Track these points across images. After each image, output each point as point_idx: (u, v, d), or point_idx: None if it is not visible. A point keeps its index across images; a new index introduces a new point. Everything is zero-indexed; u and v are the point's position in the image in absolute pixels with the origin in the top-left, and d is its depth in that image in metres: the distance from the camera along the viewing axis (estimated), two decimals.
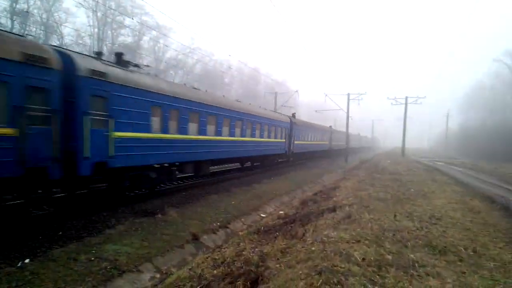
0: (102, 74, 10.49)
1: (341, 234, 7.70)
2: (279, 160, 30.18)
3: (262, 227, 10.57)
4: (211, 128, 17.05)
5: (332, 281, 5.12)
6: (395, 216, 9.79)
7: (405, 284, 5.21)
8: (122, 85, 11.26)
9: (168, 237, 9.71)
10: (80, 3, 46.40)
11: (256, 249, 7.50)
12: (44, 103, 8.74)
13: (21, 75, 8.09)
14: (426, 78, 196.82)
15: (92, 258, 7.46)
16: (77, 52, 11.47)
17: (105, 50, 52.97)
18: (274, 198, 17.68)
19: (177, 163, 14.73)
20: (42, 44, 10.79)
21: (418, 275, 5.62)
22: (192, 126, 15.44)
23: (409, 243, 7.19)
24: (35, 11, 44.42)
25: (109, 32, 54.62)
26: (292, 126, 30.43)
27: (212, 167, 19.42)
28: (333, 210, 11.04)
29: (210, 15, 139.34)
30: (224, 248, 8.56)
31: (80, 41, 50.32)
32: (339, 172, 31.76)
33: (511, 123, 58.06)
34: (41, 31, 44.92)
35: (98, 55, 11.47)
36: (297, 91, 46.73)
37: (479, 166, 39.17)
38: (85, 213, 10.38)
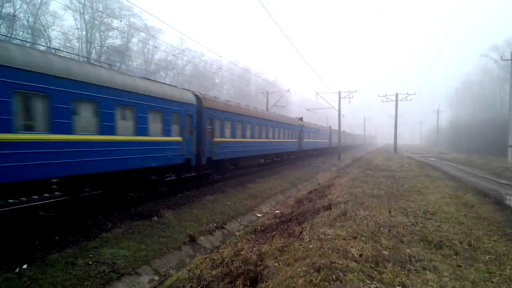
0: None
1: (338, 231, 7.77)
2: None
3: (259, 227, 10.62)
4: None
5: (331, 278, 5.17)
6: (390, 212, 9.90)
7: (403, 279, 5.28)
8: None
9: (165, 239, 9.70)
10: (67, 6, 46.09)
11: (254, 249, 7.53)
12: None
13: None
14: (416, 75, 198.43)
15: (90, 262, 7.43)
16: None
17: (93, 52, 52.64)
18: (269, 197, 17.73)
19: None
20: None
21: (415, 270, 5.71)
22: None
23: (405, 238, 7.29)
24: (21, 14, 43.93)
25: (97, 34, 54.22)
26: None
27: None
28: (329, 208, 11.11)
29: (200, 16, 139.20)
30: (222, 249, 8.58)
31: (68, 44, 49.91)
32: (332, 170, 31.92)
33: (500, 117, 58.72)
34: (28, 35, 44.47)
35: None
36: (288, 90, 46.79)
37: (471, 161, 39.60)
38: (81, 218, 10.31)
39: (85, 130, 9.99)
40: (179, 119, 14.56)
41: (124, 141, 11.37)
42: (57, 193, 12.97)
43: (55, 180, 10.08)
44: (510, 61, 32.14)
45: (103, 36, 54.88)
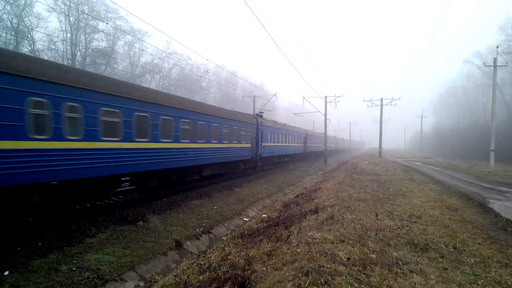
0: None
1: (325, 235, 7.76)
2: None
3: (246, 231, 10.56)
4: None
5: (319, 282, 5.14)
6: (376, 215, 9.95)
7: (390, 282, 5.28)
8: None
9: (151, 245, 9.57)
10: (52, 8, 45.42)
11: (242, 253, 7.46)
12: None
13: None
14: (400, 81, 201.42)
15: (74, 268, 7.26)
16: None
17: (78, 55, 51.97)
18: (256, 201, 17.69)
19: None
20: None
21: (402, 273, 5.72)
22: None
23: (391, 242, 7.32)
24: (5, 16, 43.09)
25: (82, 37, 53.54)
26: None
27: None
28: (316, 211, 11.12)
29: (187, 19, 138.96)
30: (209, 253, 8.49)
31: (53, 46, 49.18)
32: (319, 174, 32.08)
33: (483, 122, 59.98)
34: (12, 37, 43.66)
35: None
36: (275, 94, 46.97)
37: (454, 165, 40.30)
38: (64, 223, 10.09)
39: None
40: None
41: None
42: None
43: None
44: (492, 67, 32.83)
45: (88, 39, 54.21)
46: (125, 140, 12.13)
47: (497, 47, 37.38)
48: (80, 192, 11.16)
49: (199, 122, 17.41)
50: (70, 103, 9.86)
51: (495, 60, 32.82)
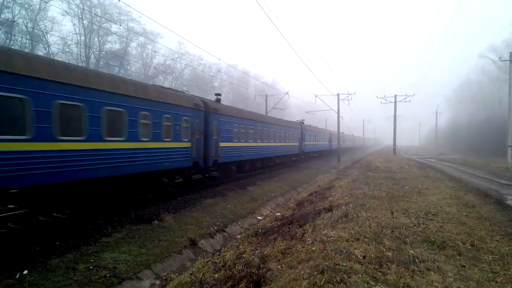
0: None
1: (340, 233, 7.72)
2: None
3: (260, 229, 10.57)
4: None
5: (335, 280, 5.12)
6: (392, 213, 9.86)
7: (407, 280, 5.23)
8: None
9: (166, 243, 9.65)
10: (66, 11, 46.21)
11: (256, 251, 7.48)
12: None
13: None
14: (414, 76, 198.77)
15: (91, 267, 7.37)
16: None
17: (92, 57, 52.70)
18: (269, 200, 17.69)
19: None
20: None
21: (419, 270, 5.66)
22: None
23: (407, 239, 7.24)
24: (20, 20, 43.97)
25: (95, 39, 54.33)
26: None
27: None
28: (330, 209, 11.07)
29: (199, 19, 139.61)
30: (224, 252, 8.53)
31: (67, 49, 50.01)
32: (332, 172, 31.89)
33: (499, 117, 58.79)
34: (27, 40, 44.53)
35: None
36: (287, 92, 46.84)
37: (470, 161, 39.59)
38: (81, 222, 10.26)
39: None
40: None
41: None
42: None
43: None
44: (508, 61, 32.19)
45: (101, 41, 55.02)
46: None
47: None
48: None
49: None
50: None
51: (511, 54, 32.18)
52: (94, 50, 53.26)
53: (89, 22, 50.26)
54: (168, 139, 13.91)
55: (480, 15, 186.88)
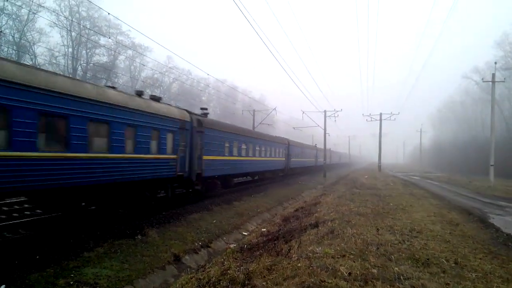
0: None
1: (326, 249, 7.70)
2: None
3: (246, 245, 10.46)
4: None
5: None
6: (377, 230, 9.89)
7: None
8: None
9: (149, 259, 9.46)
10: (54, 23, 45.95)
11: (241, 267, 7.38)
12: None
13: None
14: (399, 96, 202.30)
15: (71, 282, 7.16)
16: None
17: (79, 69, 52.35)
18: (255, 215, 17.58)
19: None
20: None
21: None
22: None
23: (393, 256, 7.25)
24: (7, 30, 43.55)
25: (83, 51, 54.03)
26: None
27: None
28: (316, 226, 11.05)
29: (188, 34, 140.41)
30: (208, 268, 8.39)
31: (54, 61, 49.58)
32: (318, 188, 31.95)
33: (482, 137, 60.12)
34: (13, 51, 44.02)
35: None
36: (275, 108, 47.14)
37: (454, 180, 40.23)
38: (63, 236, 10.01)
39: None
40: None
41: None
42: (38, 210, 12.68)
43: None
44: (490, 83, 33.06)
45: (89, 53, 54.74)
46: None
47: (495, 63, 37.88)
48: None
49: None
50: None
51: (493, 75, 33.12)
52: (82, 62, 52.94)
53: (77, 34, 50.05)
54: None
55: (465, 36, 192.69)
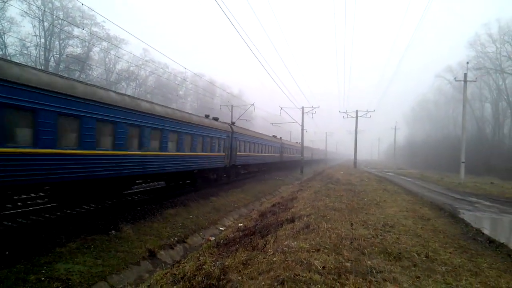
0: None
1: (301, 243, 7.77)
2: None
3: (222, 240, 10.45)
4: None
5: None
6: (351, 224, 10.05)
7: None
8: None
9: (123, 254, 9.33)
10: (25, 12, 44.35)
11: (217, 262, 7.37)
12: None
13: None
14: (375, 93, 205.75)
15: (43, 278, 6.98)
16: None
17: (52, 61, 50.77)
18: (232, 210, 17.58)
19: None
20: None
21: (376, 281, 5.77)
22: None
23: (366, 250, 7.39)
24: None
25: (56, 42, 52.36)
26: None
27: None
28: (292, 220, 11.14)
29: (165, 27, 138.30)
30: (183, 263, 8.34)
31: (25, 51, 47.94)
32: (295, 184, 32.23)
33: (454, 135, 61.97)
34: None
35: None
36: (253, 104, 47.09)
37: (426, 176, 41.32)
38: (33, 231, 9.72)
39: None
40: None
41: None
42: (20, 203, 12.38)
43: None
44: (463, 82, 34.02)
45: (62, 44, 53.09)
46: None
47: (467, 63, 38.85)
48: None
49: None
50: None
51: (465, 75, 34.07)
52: (55, 53, 51.35)
53: (50, 24, 48.46)
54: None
55: (440, 36, 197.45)
